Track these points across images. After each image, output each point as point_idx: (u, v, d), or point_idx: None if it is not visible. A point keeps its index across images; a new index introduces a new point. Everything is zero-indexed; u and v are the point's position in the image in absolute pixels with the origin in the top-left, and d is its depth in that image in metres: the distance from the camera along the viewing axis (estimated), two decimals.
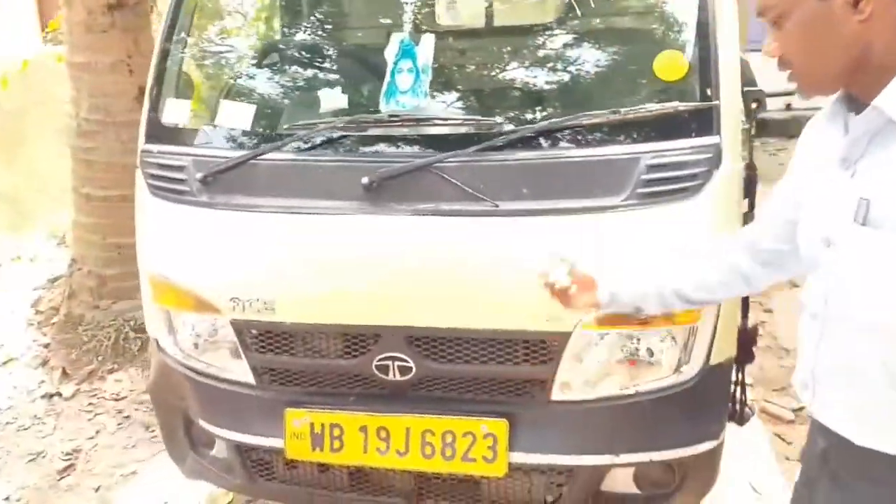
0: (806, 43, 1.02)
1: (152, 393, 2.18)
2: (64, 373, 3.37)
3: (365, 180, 1.71)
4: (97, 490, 2.72)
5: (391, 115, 1.80)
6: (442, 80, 1.92)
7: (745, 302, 1.88)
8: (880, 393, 1.03)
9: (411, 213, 1.71)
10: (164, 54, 2.05)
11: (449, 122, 1.81)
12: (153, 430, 3.05)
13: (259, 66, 2.26)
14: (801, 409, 3.12)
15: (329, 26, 2.49)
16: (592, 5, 1.91)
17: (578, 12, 1.89)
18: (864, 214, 1.00)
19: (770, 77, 1.53)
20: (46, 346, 3.56)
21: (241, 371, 1.90)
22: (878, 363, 1.02)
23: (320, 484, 1.94)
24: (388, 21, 2.26)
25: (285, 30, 2.50)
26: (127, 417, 3.14)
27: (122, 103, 3.46)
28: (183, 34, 2.09)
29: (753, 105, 1.86)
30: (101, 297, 3.57)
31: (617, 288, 1.41)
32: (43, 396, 3.26)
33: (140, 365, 3.42)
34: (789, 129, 5.37)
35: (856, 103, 1.05)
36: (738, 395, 1.99)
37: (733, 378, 1.92)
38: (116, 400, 3.24)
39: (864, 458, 1.06)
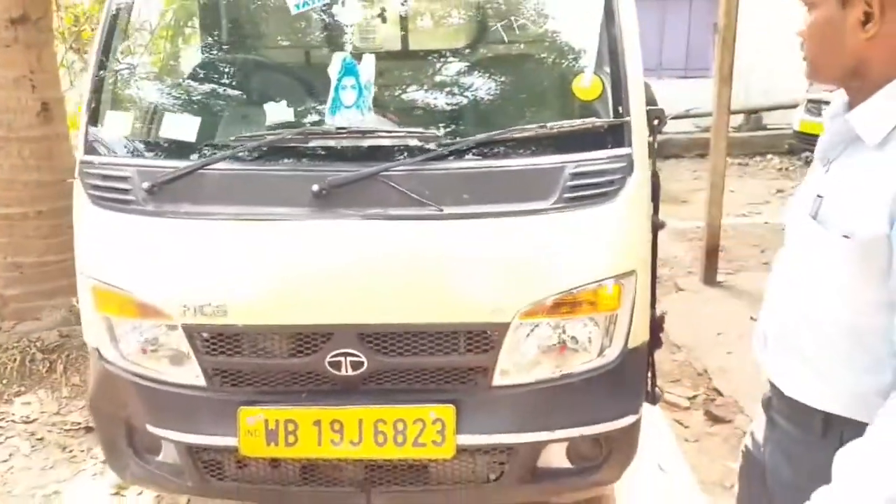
0: (819, 37, 1.16)
1: (92, 403, 2.16)
2: None
3: (315, 188, 1.82)
4: None
5: (339, 128, 1.93)
6: (384, 96, 2.07)
7: (653, 292, 2.14)
8: (801, 359, 1.24)
9: (360, 218, 1.84)
10: (101, 68, 2.07)
11: (393, 134, 1.96)
12: (71, 450, 2.98)
13: (196, 80, 2.31)
14: (694, 397, 3.48)
15: (259, 41, 2.57)
16: (517, 33, 2.14)
17: (506, 39, 2.11)
18: (816, 209, 1.16)
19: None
20: None
21: (191, 374, 1.94)
22: (804, 329, 1.22)
23: (272, 479, 2.01)
24: (313, 39, 2.41)
25: (221, 44, 2.56)
26: (40, 440, 3.02)
27: (25, 119, 3.37)
28: (117, 50, 2.12)
29: (655, 122, 2.14)
30: (2, 318, 3.42)
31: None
32: None
33: (49, 386, 3.29)
34: (662, 150, 5.93)
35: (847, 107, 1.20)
36: (649, 377, 2.25)
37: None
38: (27, 423, 3.11)
39: (791, 405, 1.28)
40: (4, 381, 3.26)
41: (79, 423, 3.11)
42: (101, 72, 2.06)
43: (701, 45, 11.46)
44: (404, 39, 2.68)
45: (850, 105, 1.19)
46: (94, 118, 2.04)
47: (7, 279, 3.40)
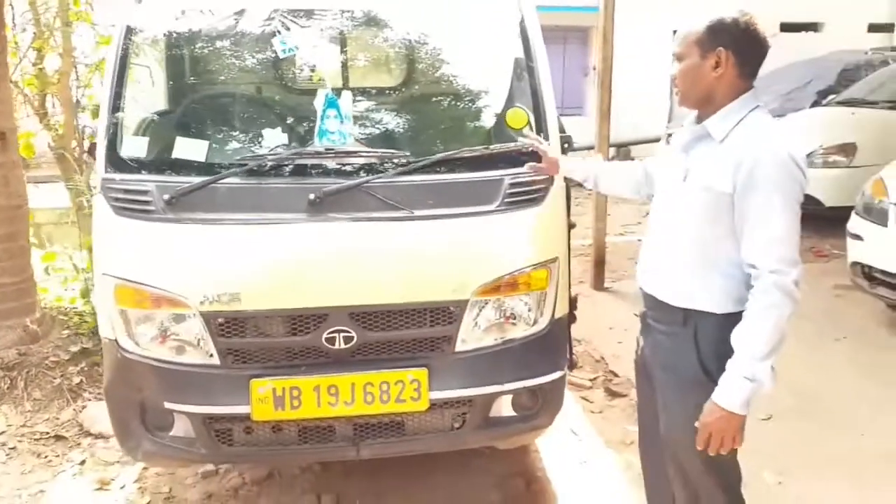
0: (687, 78, 1.87)
1: (108, 390, 2.46)
2: None
3: (311, 196, 2.29)
4: None
5: (327, 149, 2.42)
6: (360, 125, 2.58)
7: (569, 277, 2.75)
8: (671, 273, 1.94)
9: (348, 220, 2.32)
10: (117, 100, 2.44)
11: (372, 153, 2.46)
12: (45, 456, 3.18)
13: (198, 111, 2.71)
14: (595, 378, 4.14)
15: (247, 77, 2.98)
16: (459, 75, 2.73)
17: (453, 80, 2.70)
18: (685, 176, 1.89)
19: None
20: None
21: (206, 354, 2.31)
22: (672, 256, 1.93)
23: (275, 442, 2.40)
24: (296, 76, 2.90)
25: (213, 81, 2.96)
26: (13, 448, 3.19)
27: None
28: (126, 82, 2.50)
29: (565, 145, 2.76)
30: None
31: (570, 166, 2.43)
32: None
33: (11, 402, 3.45)
34: None
35: (698, 120, 1.92)
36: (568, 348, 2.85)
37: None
38: None
39: (661, 308, 1.97)
40: None
41: (47, 433, 3.30)
42: (118, 102, 2.43)
43: (575, 86, 12.67)
44: (364, 79, 3.20)
45: (699, 119, 1.93)
46: (113, 142, 2.40)
47: None
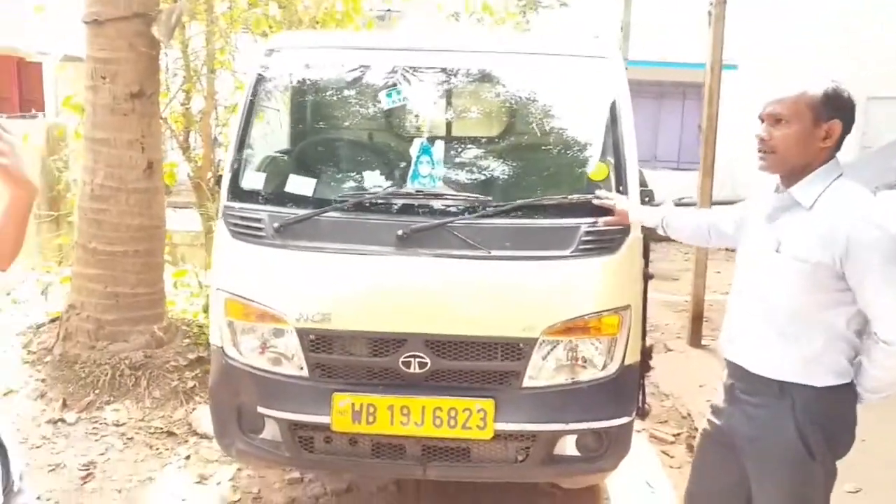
0: (790, 143, 1.83)
1: (212, 392, 2.79)
2: (64, 403, 3.78)
3: (399, 232, 2.54)
4: (120, 492, 3.18)
5: (417, 190, 2.67)
6: (452, 171, 2.82)
7: (644, 326, 2.82)
8: (764, 343, 1.92)
9: (431, 256, 2.54)
10: (243, 139, 2.82)
11: (456, 196, 2.68)
12: (157, 449, 3.56)
13: (310, 151, 3.07)
14: (678, 434, 4.09)
15: (353, 124, 3.32)
16: (549, 128, 2.93)
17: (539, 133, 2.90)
18: (777, 247, 1.87)
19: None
20: (43, 380, 3.95)
21: (297, 367, 2.58)
22: (765, 325, 1.92)
23: (351, 453, 2.62)
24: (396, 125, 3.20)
25: (326, 126, 3.33)
26: (130, 439, 3.60)
27: (134, 174, 4.08)
28: (252, 123, 2.88)
29: (646, 199, 2.86)
30: (97, 339, 4.04)
31: (640, 215, 2.53)
32: (48, 422, 3.66)
33: (134, 398, 3.89)
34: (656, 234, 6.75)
35: (781, 187, 1.92)
36: (640, 396, 2.89)
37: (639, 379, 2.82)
38: (118, 426, 3.69)
39: (753, 380, 1.95)
40: (97, 391, 3.86)
41: (161, 428, 3.70)
42: (244, 140, 2.80)
43: (692, 141, 12.49)
44: (459, 129, 3.47)
45: (784, 184, 1.92)
46: (236, 175, 2.77)
47: (105, 306, 4.04)
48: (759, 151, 1.91)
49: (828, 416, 1.86)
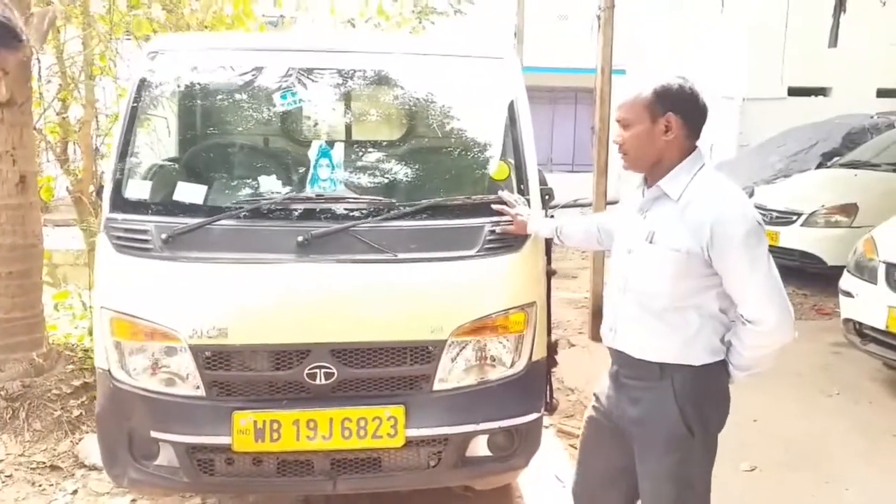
0: (637, 143, 1.94)
1: (99, 418, 2.57)
2: None
3: (300, 238, 2.44)
4: None
5: (317, 195, 2.57)
6: (352, 174, 2.74)
7: (549, 322, 2.84)
8: (644, 329, 1.98)
9: (334, 262, 2.46)
10: (126, 146, 2.63)
11: (358, 199, 2.61)
12: (40, 485, 3.27)
13: (196, 158, 2.90)
14: None
15: (245, 128, 3.18)
16: (446, 130, 2.90)
17: (439, 134, 2.86)
18: (650, 238, 1.94)
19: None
20: None
21: (192, 386, 2.43)
22: (644, 313, 1.97)
23: (255, 473, 2.48)
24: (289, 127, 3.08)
25: (214, 131, 3.17)
26: (9, 476, 3.28)
27: (4, 189, 3.75)
28: (135, 131, 2.69)
29: (546, 197, 2.90)
30: None
31: (536, 226, 2.53)
32: None
33: (12, 431, 3.55)
34: None
35: (647, 182, 2.01)
36: (547, 391, 2.91)
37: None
38: None
39: (635, 365, 2.00)
40: None
41: (44, 463, 3.40)
42: (126, 148, 2.62)
43: (585, 144, 12.94)
44: (358, 131, 3.40)
45: (648, 181, 2.01)
46: (119, 185, 2.58)
47: None
48: (619, 153, 2.02)
49: (704, 393, 1.95)
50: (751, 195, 7.31)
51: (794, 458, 3.60)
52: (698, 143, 1.98)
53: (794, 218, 6.96)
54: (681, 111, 1.92)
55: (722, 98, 11.64)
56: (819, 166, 8.31)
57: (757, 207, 2.03)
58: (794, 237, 6.88)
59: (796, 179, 7.97)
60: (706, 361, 1.94)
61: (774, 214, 7.05)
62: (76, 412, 3.66)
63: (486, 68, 3.01)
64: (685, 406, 1.94)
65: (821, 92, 12.88)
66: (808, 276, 6.98)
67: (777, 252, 6.24)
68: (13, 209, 3.77)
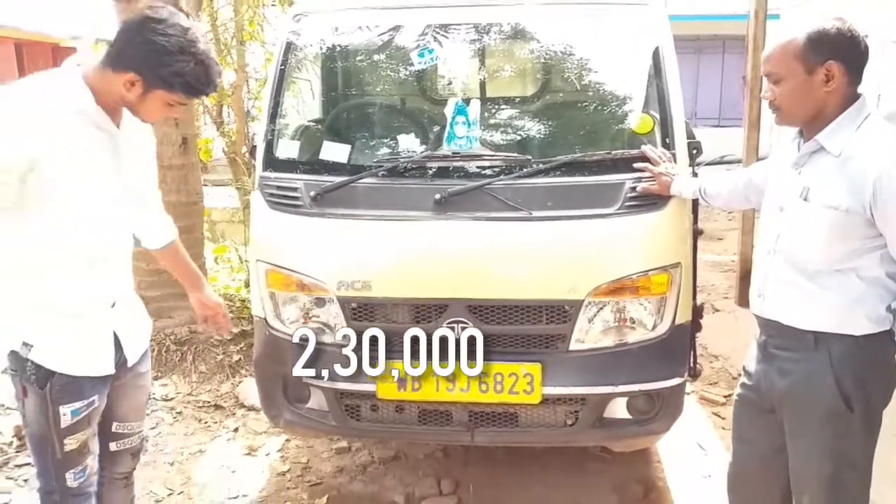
0: (792, 98, 1.76)
1: (256, 363, 2.78)
2: None
3: (437, 196, 2.46)
4: (172, 465, 3.23)
5: (454, 153, 2.58)
6: (490, 132, 2.73)
7: (694, 285, 2.71)
8: (797, 294, 1.83)
9: (471, 219, 2.46)
10: (276, 108, 2.76)
11: (495, 157, 2.59)
12: (206, 423, 3.60)
13: (344, 118, 3.01)
14: (729, 395, 3.98)
15: (386, 89, 3.25)
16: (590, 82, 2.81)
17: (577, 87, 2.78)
18: (805, 195, 1.78)
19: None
20: None
21: (340, 335, 2.55)
22: (797, 275, 1.82)
23: (397, 420, 2.59)
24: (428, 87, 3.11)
25: (360, 92, 3.27)
26: (179, 413, 3.65)
27: (170, 150, 4.09)
28: (283, 93, 2.82)
29: (693, 151, 2.74)
30: None
31: (679, 186, 2.39)
32: None
33: (181, 373, 3.94)
34: None
35: (803, 136, 1.84)
36: (691, 356, 2.80)
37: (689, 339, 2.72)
38: (166, 401, 3.74)
39: (786, 334, 1.85)
40: None
41: (209, 402, 3.75)
42: (276, 110, 2.75)
43: (733, 97, 12.09)
44: (495, 87, 3.37)
45: (805, 134, 1.82)
46: (270, 145, 2.72)
47: (148, 283, 4.07)
48: (770, 109, 1.84)
49: (866, 366, 1.77)
50: None
51: None
52: (861, 90, 1.77)
53: None
54: (842, 57, 1.71)
55: (892, 42, 10.40)
56: None
57: None
58: None
59: None
60: (869, 331, 1.76)
61: None
62: (236, 357, 3.99)
63: (630, 15, 2.86)
64: (843, 378, 1.77)
65: None
66: None
67: None
68: (177, 169, 4.10)
